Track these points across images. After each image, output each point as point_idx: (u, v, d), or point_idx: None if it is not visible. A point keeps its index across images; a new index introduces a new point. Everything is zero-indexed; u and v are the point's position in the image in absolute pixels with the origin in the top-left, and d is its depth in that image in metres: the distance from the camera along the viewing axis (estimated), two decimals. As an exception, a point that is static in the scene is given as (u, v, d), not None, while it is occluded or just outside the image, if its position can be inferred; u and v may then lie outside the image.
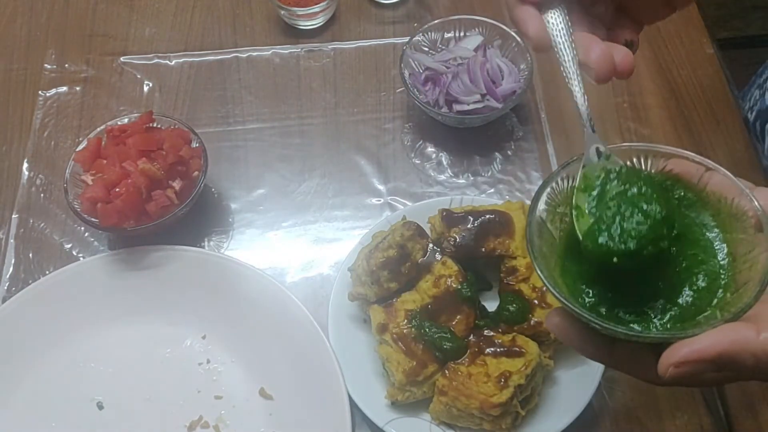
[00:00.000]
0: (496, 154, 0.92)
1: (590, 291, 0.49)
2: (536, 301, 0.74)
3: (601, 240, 0.47)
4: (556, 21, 0.54)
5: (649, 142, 0.92)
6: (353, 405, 0.73)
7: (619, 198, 0.48)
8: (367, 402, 0.73)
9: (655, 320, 0.47)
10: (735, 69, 1.02)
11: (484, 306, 0.77)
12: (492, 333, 0.73)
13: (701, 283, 0.48)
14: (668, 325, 0.47)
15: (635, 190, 0.48)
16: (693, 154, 0.50)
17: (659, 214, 0.47)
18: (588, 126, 0.52)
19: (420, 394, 0.72)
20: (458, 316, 0.73)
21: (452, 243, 0.76)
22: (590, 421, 0.75)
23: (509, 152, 0.92)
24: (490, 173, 0.91)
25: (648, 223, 0.46)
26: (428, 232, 0.80)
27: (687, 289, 0.48)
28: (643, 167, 0.51)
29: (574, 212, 0.50)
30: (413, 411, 0.73)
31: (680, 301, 0.48)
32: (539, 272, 0.47)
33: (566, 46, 0.54)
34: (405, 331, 0.73)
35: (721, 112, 0.94)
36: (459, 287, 0.74)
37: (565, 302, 0.45)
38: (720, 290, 0.47)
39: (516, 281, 0.75)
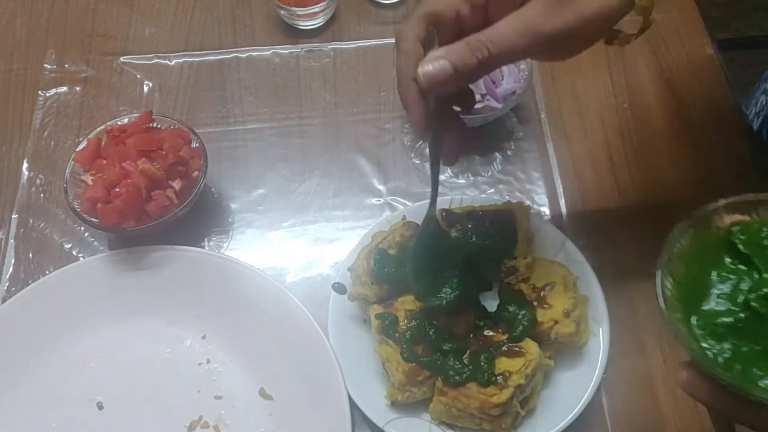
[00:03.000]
0: (496, 154, 0.92)
1: (721, 345, 0.48)
2: (536, 302, 0.73)
3: None
4: (434, 109, 0.61)
5: (650, 144, 0.93)
6: (353, 405, 0.73)
7: None
8: (367, 402, 0.73)
9: None
10: (735, 70, 1.02)
11: (484, 306, 0.77)
12: (492, 333, 0.73)
13: None
14: None
15: None
16: None
17: None
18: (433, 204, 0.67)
19: (420, 394, 0.72)
20: (458, 316, 0.73)
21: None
22: (590, 421, 0.75)
23: (509, 152, 0.92)
24: (490, 173, 0.91)
25: None
26: (428, 232, 0.80)
27: None
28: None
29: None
30: (413, 411, 0.73)
31: None
32: (673, 328, 0.46)
33: (435, 133, 0.62)
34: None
35: (721, 112, 0.94)
36: (459, 287, 0.74)
37: (701, 360, 0.44)
38: None
39: (516, 281, 0.75)
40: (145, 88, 0.98)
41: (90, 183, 0.80)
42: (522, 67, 0.90)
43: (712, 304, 0.49)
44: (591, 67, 0.98)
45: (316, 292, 0.82)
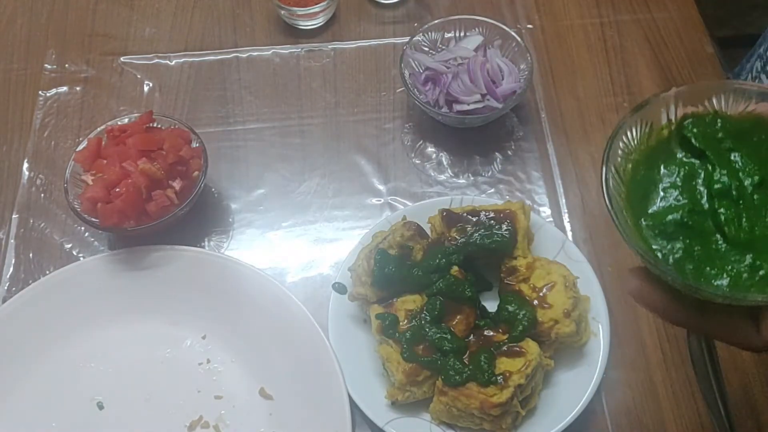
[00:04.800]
0: (496, 154, 0.92)
1: (672, 245, 0.45)
2: (536, 302, 0.74)
3: None
4: None
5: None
6: (353, 405, 0.73)
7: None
8: (367, 402, 0.73)
9: (747, 280, 0.43)
10: (735, 68, 1.02)
11: (484, 306, 0.77)
12: (492, 333, 0.73)
13: None
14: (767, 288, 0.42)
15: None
16: None
17: None
18: None
19: (420, 394, 0.72)
20: (458, 316, 0.73)
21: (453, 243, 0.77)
22: (590, 421, 0.75)
23: (509, 152, 0.92)
24: (490, 173, 0.91)
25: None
26: (428, 232, 0.80)
27: None
28: (723, 108, 0.48)
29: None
30: (413, 411, 0.73)
31: None
32: (621, 229, 0.43)
33: None
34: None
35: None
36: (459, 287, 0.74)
37: (651, 260, 0.41)
38: None
39: (516, 281, 0.75)
40: (145, 88, 0.98)
41: (90, 183, 0.80)
42: (522, 67, 0.90)
43: (662, 203, 0.46)
44: (591, 67, 0.98)
45: (316, 292, 0.82)
